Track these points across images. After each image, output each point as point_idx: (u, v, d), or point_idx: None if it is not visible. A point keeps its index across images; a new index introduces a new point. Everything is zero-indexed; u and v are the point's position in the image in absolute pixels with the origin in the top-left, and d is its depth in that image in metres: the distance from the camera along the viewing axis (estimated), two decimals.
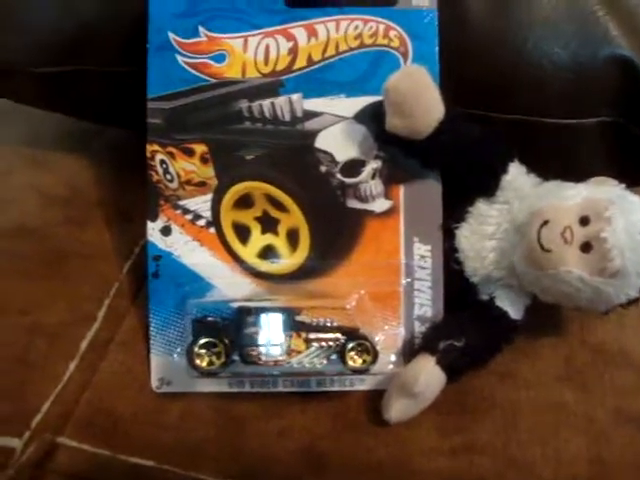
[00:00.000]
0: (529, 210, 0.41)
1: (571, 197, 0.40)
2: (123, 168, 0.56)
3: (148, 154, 0.45)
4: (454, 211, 0.44)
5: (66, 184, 0.57)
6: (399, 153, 0.44)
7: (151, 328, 0.45)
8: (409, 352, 0.44)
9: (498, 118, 0.45)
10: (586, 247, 0.39)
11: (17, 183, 0.57)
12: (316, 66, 0.45)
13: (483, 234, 0.44)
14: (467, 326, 0.43)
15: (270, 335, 0.41)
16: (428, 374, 0.41)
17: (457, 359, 0.42)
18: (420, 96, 0.41)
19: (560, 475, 0.41)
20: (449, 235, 0.44)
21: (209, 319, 0.42)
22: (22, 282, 0.49)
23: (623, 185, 0.41)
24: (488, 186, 0.43)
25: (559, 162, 0.47)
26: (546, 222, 0.40)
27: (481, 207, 0.44)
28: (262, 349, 0.41)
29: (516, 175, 0.43)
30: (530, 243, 0.40)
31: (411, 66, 0.44)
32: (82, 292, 0.49)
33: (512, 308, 0.44)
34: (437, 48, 0.44)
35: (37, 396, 0.43)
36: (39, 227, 0.53)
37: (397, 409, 0.42)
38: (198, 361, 0.41)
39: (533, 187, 0.43)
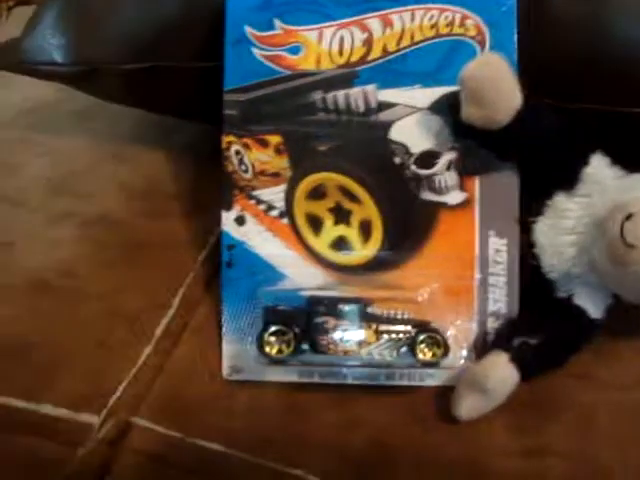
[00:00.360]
0: (612, 203, 0.40)
1: None
2: (200, 162, 0.57)
3: (224, 145, 0.46)
4: (531, 204, 0.43)
5: (145, 177, 0.59)
6: (475, 145, 0.43)
7: (224, 316, 0.45)
8: (481, 348, 0.43)
9: (581, 108, 0.44)
10: None
11: (100, 177, 0.60)
12: (391, 57, 0.44)
13: (562, 228, 0.42)
14: (543, 324, 0.42)
15: (340, 325, 0.41)
16: (500, 371, 0.40)
17: (531, 357, 0.41)
18: (498, 84, 0.40)
19: None
20: (526, 229, 0.43)
21: (280, 307, 0.43)
22: (104, 269, 0.51)
23: None
24: (568, 179, 0.42)
25: None
26: (630, 215, 0.38)
27: (560, 200, 0.42)
28: (332, 338, 0.41)
29: (599, 167, 0.42)
30: (612, 238, 0.38)
31: (489, 54, 0.43)
32: (159, 280, 0.50)
33: (592, 307, 0.42)
34: (516, 36, 0.43)
35: (114, 378, 0.44)
36: (120, 218, 0.55)
37: (467, 406, 0.41)
38: (268, 348, 0.42)
39: (616, 180, 0.42)
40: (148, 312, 0.48)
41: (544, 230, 0.43)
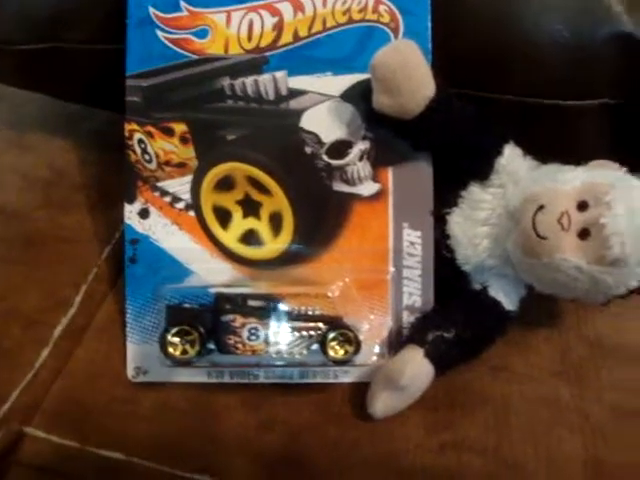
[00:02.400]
0: (524, 195, 0.39)
1: (569, 181, 0.38)
2: (108, 151, 0.53)
3: (126, 133, 0.43)
4: (446, 195, 0.42)
5: (49, 167, 0.55)
6: (388, 134, 0.42)
7: (127, 315, 0.43)
8: (396, 343, 0.42)
9: (493, 98, 0.43)
10: (584, 234, 0.37)
11: (0, 166, 0.56)
12: (302, 42, 0.43)
13: (476, 220, 0.42)
14: (458, 317, 0.41)
15: (248, 323, 0.39)
16: (415, 367, 0.40)
17: (446, 351, 0.40)
18: (410, 72, 0.39)
19: (553, 476, 0.39)
20: (440, 221, 0.42)
21: (184, 305, 0.41)
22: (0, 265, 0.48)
23: (624, 169, 0.39)
24: (482, 169, 0.41)
25: (558, 145, 0.45)
26: (542, 207, 0.37)
27: (474, 191, 0.42)
28: (239, 337, 0.39)
29: (511, 158, 0.41)
30: (525, 229, 0.38)
31: (400, 41, 0.41)
32: (60, 277, 0.47)
33: (506, 298, 0.42)
34: (429, 24, 0.42)
35: (6, 384, 0.41)
36: (19, 210, 0.52)
37: (382, 403, 0.40)
38: (171, 349, 0.39)
39: (529, 170, 0.41)
40: (47, 311, 0.45)
41: (459, 222, 0.42)
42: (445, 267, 0.42)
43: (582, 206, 0.37)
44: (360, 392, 0.41)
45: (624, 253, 0.36)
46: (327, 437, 0.41)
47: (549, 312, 0.45)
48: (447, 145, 0.41)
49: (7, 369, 0.42)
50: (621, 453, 0.40)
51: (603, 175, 0.38)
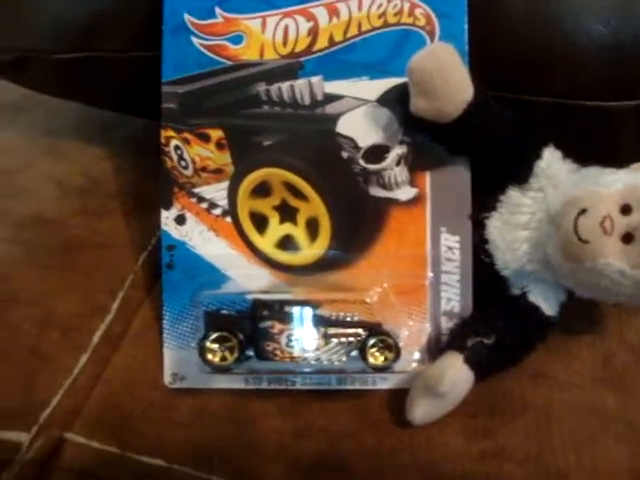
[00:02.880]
0: (565, 198, 0.39)
1: (611, 184, 0.37)
2: (143, 158, 0.54)
3: (162, 140, 0.43)
4: (484, 200, 0.42)
5: (84, 174, 0.56)
6: (425, 138, 0.41)
7: (164, 321, 0.43)
8: (435, 349, 0.41)
9: (532, 101, 0.42)
10: (627, 238, 0.36)
11: (36, 173, 0.56)
12: (338, 47, 0.42)
13: (515, 224, 0.41)
14: (497, 322, 0.41)
15: (287, 329, 0.39)
16: (455, 373, 0.39)
17: (486, 357, 0.40)
18: (447, 76, 0.38)
19: None
20: (479, 225, 0.42)
21: (222, 312, 0.41)
22: (37, 272, 0.48)
23: None
24: (520, 173, 0.41)
25: (598, 147, 0.44)
26: (584, 211, 0.37)
27: (513, 195, 0.41)
28: (278, 344, 0.39)
29: (551, 161, 0.40)
30: (566, 233, 0.37)
31: (438, 43, 0.41)
32: (96, 283, 0.47)
33: (546, 304, 0.41)
34: (466, 26, 0.41)
35: (47, 389, 0.42)
36: (56, 217, 0.52)
37: (421, 410, 0.40)
38: (210, 356, 0.39)
39: (569, 174, 0.41)
40: (85, 317, 0.45)
41: (497, 226, 0.41)
42: (484, 272, 0.42)
43: (625, 210, 0.36)
44: (399, 399, 0.41)
45: None
46: (365, 444, 0.40)
47: (590, 317, 0.45)
48: (485, 149, 0.41)
49: (47, 374, 0.42)
50: None
51: None
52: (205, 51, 0.43)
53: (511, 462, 0.39)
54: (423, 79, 0.38)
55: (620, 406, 0.41)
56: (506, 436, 0.40)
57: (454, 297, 0.42)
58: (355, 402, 0.42)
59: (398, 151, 0.42)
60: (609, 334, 0.44)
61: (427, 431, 0.40)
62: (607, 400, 0.42)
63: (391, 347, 0.39)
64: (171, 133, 0.43)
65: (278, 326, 0.39)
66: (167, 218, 0.43)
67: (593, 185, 0.38)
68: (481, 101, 0.39)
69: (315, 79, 0.42)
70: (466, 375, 0.39)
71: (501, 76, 0.42)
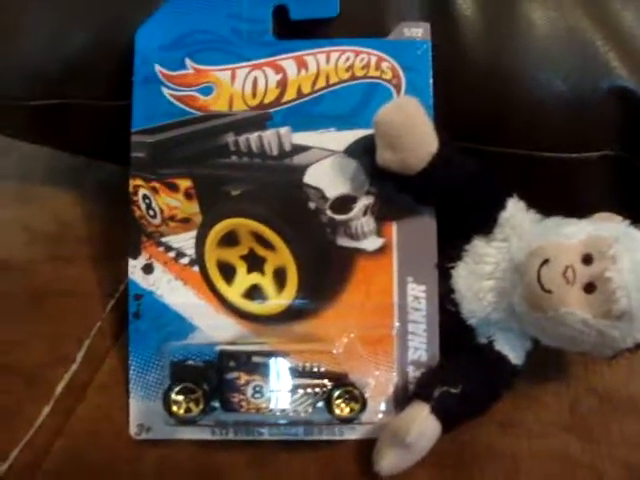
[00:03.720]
0: (528, 248, 0.39)
1: (573, 234, 0.38)
2: (113, 204, 0.54)
3: (131, 189, 0.43)
4: (450, 249, 0.42)
5: (54, 220, 0.55)
6: (392, 189, 0.42)
7: (131, 371, 0.42)
8: (402, 399, 0.41)
9: (494, 152, 0.43)
10: (590, 287, 0.37)
11: (4, 218, 0.56)
12: (306, 99, 0.43)
13: (481, 274, 0.41)
14: (464, 372, 0.41)
15: (253, 380, 0.39)
16: (421, 423, 0.39)
17: (453, 407, 0.40)
18: (412, 129, 0.39)
19: None
20: (444, 275, 0.42)
21: (189, 362, 0.40)
22: (2, 320, 0.47)
23: (628, 221, 0.39)
24: (485, 223, 0.41)
25: (560, 198, 0.45)
26: (546, 261, 0.37)
27: (478, 245, 0.42)
28: (244, 395, 0.39)
29: (514, 211, 0.41)
30: (530, 283, 0.38)
31: (403, 97, 0.42)
32: (63, 332, 0.47)
33: (512, 352, 0.41)
34: (431, 80, 0.42)
35: (6, 442, 0.41)
36: (23, 263, 0.52)
37: (389, 460, 0.39)
38: (175, 408, 0.39)
39: (533, 224, 0.41)
40: (49, 367, 0.45)
41: (463, 275, 0.42)
42: (450, 321, 0.42)
43: (587, 260, 0.37)
44: (366, 449, 0.41)
45: (630, 307, 0.36)
46: None
47: (556, 364, 0.45)
48: (450, 199, 0.41)
49: (7, 427, 0.42)
50: None
51: (607, 228, 0.38)
52: (175, 101, 0.44)
53: None
54: (389, 132, 0.39)
55: (587, 454, 0.41)
56: None
57: (421, 346, 0.42)
58: (323, 453, 0.42)
59: (365, 201, 0.42)
60: (575, 380, 0.45)
61: None
62: (574, 448, 0.42)
63: (357, 398, 0.39)
64: (139, 182, 0.43)
65: (245, 377, 0.39)
66: (135, 267, 0.43)
67: (556, 235, 0.39)
68: (445, 153, 0.40)
69: (283, 130, 0.43)
70: (433, 425, 0.39)
71: (464, 127, 0.43)
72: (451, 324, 0.42)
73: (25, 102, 0.49)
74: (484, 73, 0.42)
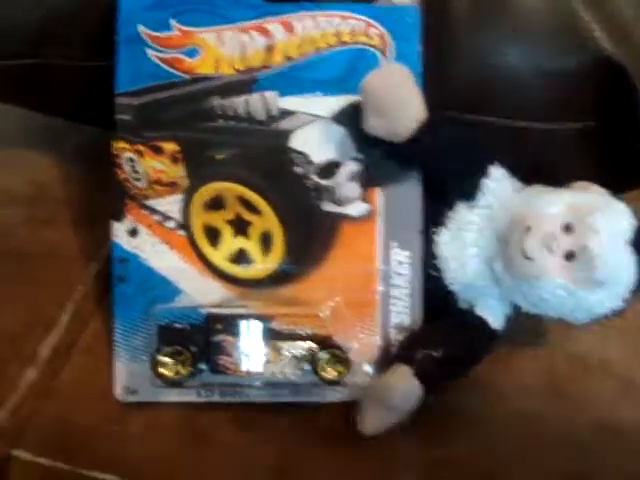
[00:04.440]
0: (511, 216, 0.40)
1: (554, 203, 0.39)
2: (94, 167, 0.53)
3: (115, 151, 0.43)
4: (434, 216, 0.43)
5: (31, 182, 0.55)
6: (378, 155, 0.42)
7: (116, 334, 0.43)
8: (385, 362, 0.42)
9: (479, 121, 0.44)
10: (570, 255, 0.38)
11: None
12: (292, 63, 0.43)
13: (464, 241, 0.42)
14: (445, 335, 0.42)
15: (240, 343, 0.40)
16: (404, 386, 0.40)
17: (435, 370, 0.41)
18: (399, 95, 0.39)
19: None
20: (428, 241, 0.43)
21: (175, 325, 0.41)
22: None
23: (608, 191, 0.40)
24: (468, 190, 0.42)
25: (542, 167, 0.46)
26: (528, 229, 0.38)
27: (462, 212, 0.42)
28: (231, 358, 0.40)
29: (497, 178, 0.42)
30: (512, 251, 0.39)
31: (390, 64, 0.42)
32: (44, 295, 0.46)
33: (492, 317, 0.42)
34: (419, 47, 0.42)
35: None
36: (1, 226, 0.51)
37: (372, 421, 0.40)
38: (163, 370, 0.39)
39: (515, 192, 0.42)
40: (32, 330, 0.45)
41: (446, 242, 0.43)
42: (432, 286, 0.43)
43: (568, 228, 0.38)
44: (350, 410, 0.42)
45: (608, 275, 0.37)
46: (317, 456, 0.41)
47: (535, 330, 0.46)
48: (435, 166, 0.42)
49: None
50: (605, 468, 0.41)
51: (588, 198, 0.40)
52: (160, 63, 0.43)
53: (459, 471, 0.40)
54: (376, 98, 0.39)
55: (561, 415, 0.43)
56: (453, 446, 0.41)
57: (404, 311, 0.43)
58: (307, 415, 0.42)
59: (351, 167, 0.42)
60: (552, 346, 0.46)
61: (378, 443, 0.41)
62: (548, 409, 0.43)
63: (342, 360, 0.40)
64: (124, 145, 0.43)
65: (231, 340, 0.40)
66: (119, 230, 0.43)
67: (537, 204, 0.40)
68: (432, 121, 0.40)
69: (269, 94, 0.43)
70: (415, 387, 0.40)
71: (450, 96, 0.43)
72: (434, 289, 0.43)
73: None
74: (470, 45, 0.43)
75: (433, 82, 0.42)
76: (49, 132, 0.59)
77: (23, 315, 0.45)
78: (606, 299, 0.38)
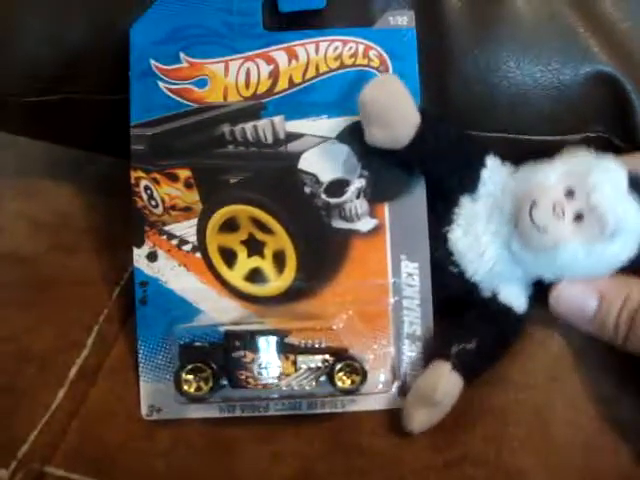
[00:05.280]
0: (515, 196, 0.41)
1: (551, 173, 0.41)
2: (113, 195, 0.55)
3: (132, 180, 0.45)
4: (441, 215, 0.44)
5: (55, 212, 0.57)
6: (383, 170, 0.44)
7: (140, 355, 0.44)
8: (398, 371, 0.44)
9: (479, 136, 0.45)
10: (579, 218, 0.39)
11: (7, 212, 0.57)
12: (297, 88, 0.45)
13: (476, 231, 0.43)
14: (475, 327, 0.43)
15: (258, 358, 0.41)
16: (446, 381, 0.41)
17: (471, 361, 0.42)
18: (396, 103, 0.41)
19: None
20: (441, 240, 0.44)
21: (196, 344, 0.42)
22: (11, 309, 0.49)
23: (594, 152, 0.42)
24: (469, 182, 0.43)
25: None
26: (534, 203, 0.40)
27: (467, 205, 0.43)
28: (250, 372, 0.41)
29: (494, 167, 0.43)
30: (525, 227, 0.40)
31: (383, 75, 0.44)
32: (71, 318, 0.48)
33: (516, 300, 0.43)
34: (417, 66, 0.44)
35: (24, 425, 0.42)
36: (28, 254, 0.53)
37: (419, 420, 0.42)
38: (186, 387, 0.41)
39: (510, 175, 0.43)
40: (61, 352, 0.46)
41: (459, 237, 0.43)
42: (454, 283, 0.44)
43: (570, 193, 0.40)
44: (367, 420, 0.43)
45: (619, 225, 0.39)
46: (337, 466, 0.42)
47: (543, 317, 0.46)
48: (436, 165, 0.43)
49: (24, 410, 0.43)
50: (608, 462, 0.42)
51: (580, 162, 0.41)
52: (171, 94, 0.45)
53: (473, 467, 0.41)
54: (374, 109, 0.41)
55: (568, 405, 0.43)
56: (468, 443, 0.42)
57: (415, 321, 0.44)
58: (326, 425, 0.44)
59: (358, 184, 0.44)
60: (559, 333, 0.46)
61: (396, 449, 0.42)
62: (558, 399, 0.44)
63: (358, 371, 0.41)
64: (140, 174, 0.45)
65: (250, 355, 0.41)
66: (139, 255, 0.45)
67: (535, 179, 0.41)
68: (429, 122, 0.42)
69: (277, 119, 0.45)
70: (456, 380, 0.41)
71: (451, 113, 0.45)
72: (456, 285, 0.44)
73: (23, 99, 0.50)
74: (468, 61, 0.44)
75: (432, 99, 0.43)
76: (71, 164, 0.62)
77: (52, 339, 0.47)
78: (622, 249, 0.39)
